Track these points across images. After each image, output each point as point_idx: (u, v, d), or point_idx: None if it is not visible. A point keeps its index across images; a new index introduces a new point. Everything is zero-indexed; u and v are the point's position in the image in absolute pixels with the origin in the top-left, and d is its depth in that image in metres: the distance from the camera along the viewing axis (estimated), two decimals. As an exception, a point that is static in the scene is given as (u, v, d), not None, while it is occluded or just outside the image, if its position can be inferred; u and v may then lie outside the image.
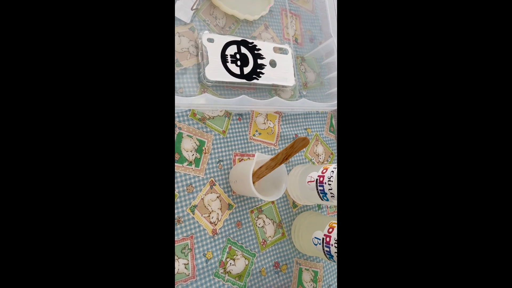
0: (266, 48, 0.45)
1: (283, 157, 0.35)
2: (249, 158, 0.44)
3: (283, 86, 0.47)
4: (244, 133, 0.44)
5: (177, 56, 0.40)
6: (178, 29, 0.40)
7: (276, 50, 0.46)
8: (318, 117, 0.53)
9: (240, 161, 0.43)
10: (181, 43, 0.40)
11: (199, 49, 0.41)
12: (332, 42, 0.49)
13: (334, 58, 0.50)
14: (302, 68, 0.52)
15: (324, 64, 0.54)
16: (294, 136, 0.49)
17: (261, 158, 0.35)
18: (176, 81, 0.39)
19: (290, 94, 0.49)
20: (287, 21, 0.52)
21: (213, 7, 0.44)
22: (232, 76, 0.41)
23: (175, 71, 0.39)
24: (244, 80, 0.42)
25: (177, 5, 0.40)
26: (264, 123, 0.46)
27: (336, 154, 0.55)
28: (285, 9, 0.52)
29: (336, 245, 0.36)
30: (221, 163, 0.41)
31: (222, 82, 0.41)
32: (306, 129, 0.51)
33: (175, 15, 0.40)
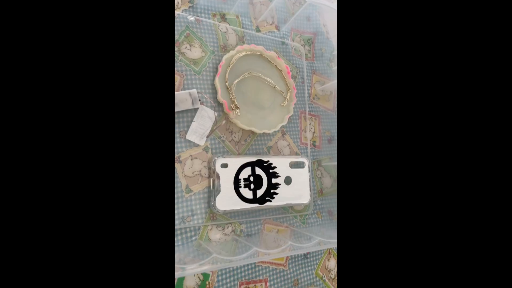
0: (281, 164, 0.43)
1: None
2: (255, 285, 0.41)
3: (297, 205, 0.44)
4: (252, 256, 0.41)
5: (187, 181, 0.38)
6: (190, 151, 0.39)
7: (292, 164, 0.44)
8: (332, 224, 0.50)
9: (245, 292, 0.39)
10: (193, 166, 0.38)
11: (211, 174, 0.39)
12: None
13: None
14: (318, 173, 0.50)
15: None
16: (306, 253, 0.46)
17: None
18: (185, 208, 0.37)
19: (304, 206, 0.47)
20: (306, 124, 0.50)
21: (229, 122, 0.42)
22: (244, 202, 0.39)
23: (183, 200, 0.37)
24: (256, 205, 0.40)
25: (192, 128, 0.38)
26: (275, 241, 0.43)
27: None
28: (304, 111, 0.50)
29: None
30: (225, 297, 0.38)
31: (233, 210, 0.38)
32: (319, 243, 0.47)
33: (189, 137, 0.38)
